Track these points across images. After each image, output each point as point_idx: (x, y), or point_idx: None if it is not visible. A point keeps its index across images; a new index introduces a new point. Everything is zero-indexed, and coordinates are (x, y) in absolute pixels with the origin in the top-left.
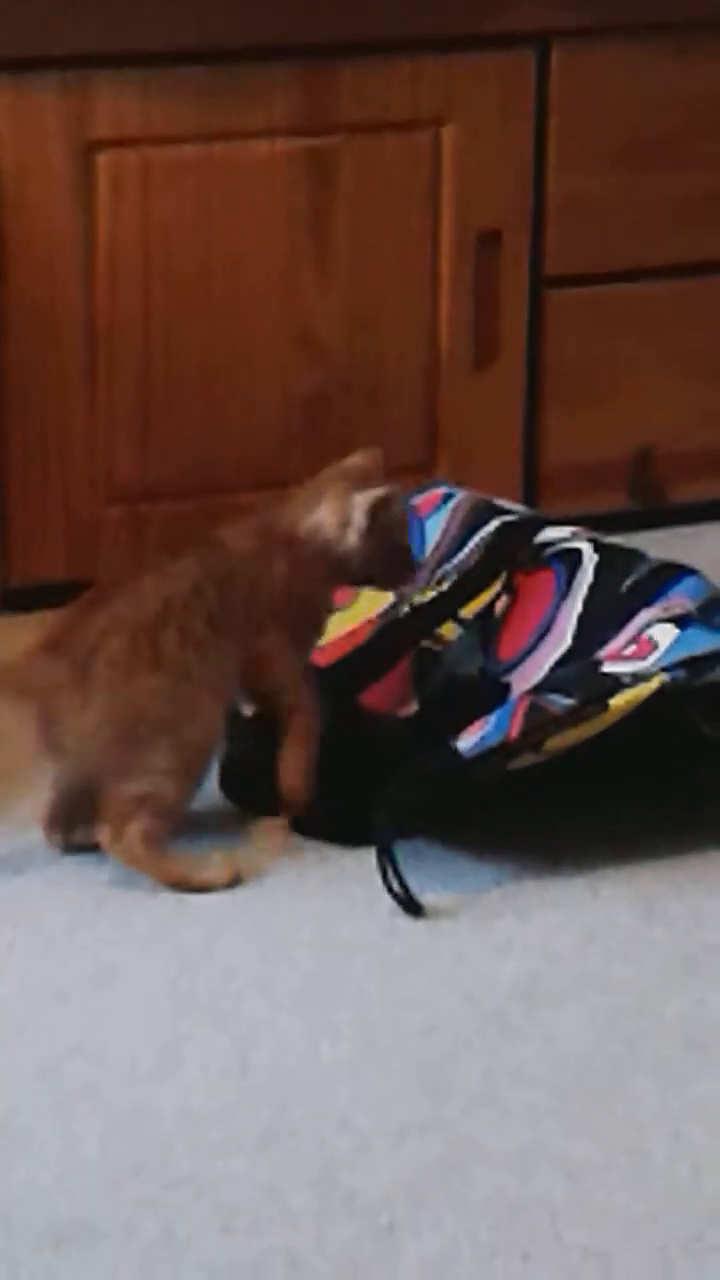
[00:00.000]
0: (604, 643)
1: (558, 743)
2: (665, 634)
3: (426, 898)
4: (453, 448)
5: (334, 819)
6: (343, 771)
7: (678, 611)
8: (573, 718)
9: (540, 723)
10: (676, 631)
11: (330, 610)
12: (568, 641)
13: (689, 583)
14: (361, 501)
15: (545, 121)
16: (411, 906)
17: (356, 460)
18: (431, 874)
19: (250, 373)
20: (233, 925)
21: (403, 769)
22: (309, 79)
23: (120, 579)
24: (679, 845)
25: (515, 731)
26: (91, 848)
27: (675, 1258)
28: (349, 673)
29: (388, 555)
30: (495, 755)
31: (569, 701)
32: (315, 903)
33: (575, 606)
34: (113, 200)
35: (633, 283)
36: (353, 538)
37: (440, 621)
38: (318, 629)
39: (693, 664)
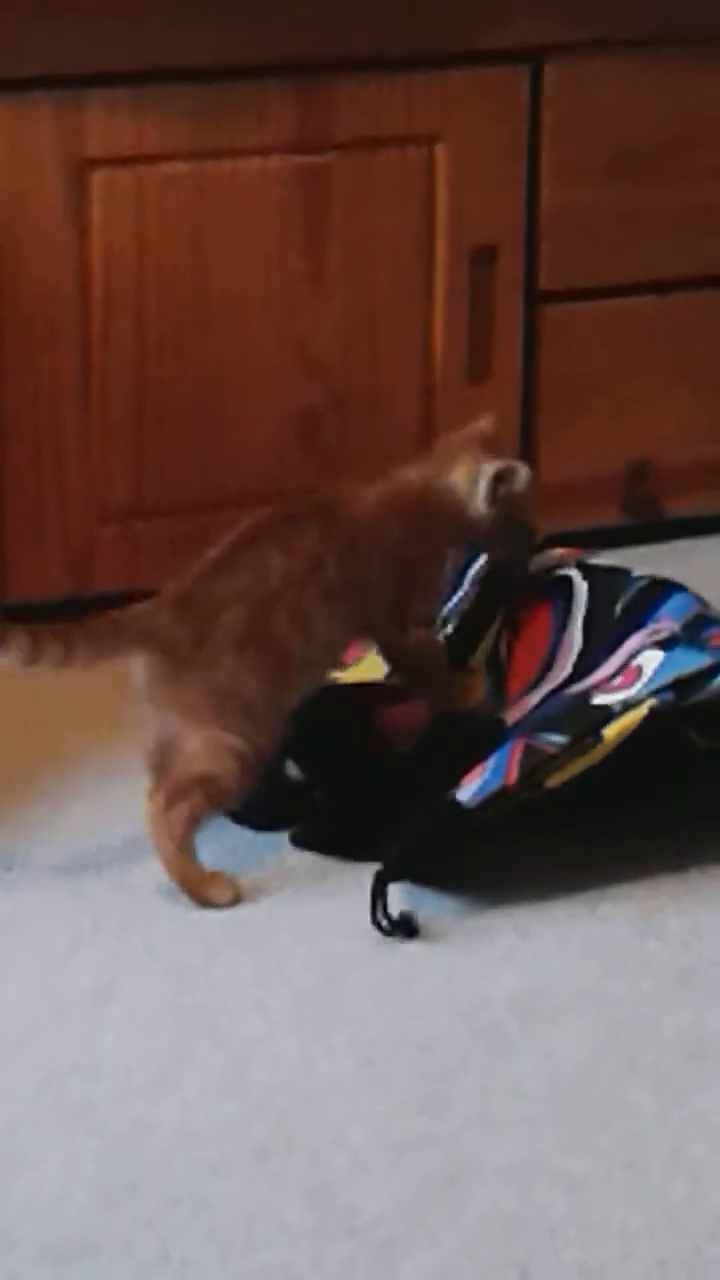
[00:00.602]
0: (596, 667)
1: (557, 779)
2: (651, 659)
3: (422, 914)
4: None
5: (333, 833)
6: (344, 787)
7: (663, 635)
8: (569, 754)
9: (537, 764)
10: (662, 655)
11: (447, 577)
12: (566, 675)
13: (675, 601)
14: (489, 469)
15: (539, 137)
16: (405, 930)
17: (481, 426)
18: (427, 890)
19: (246, 389)
20: (230, 942)
21: (404, 824)
22: (302, 96)
23: (243, 544)
24: (676, 860)
25: (514, 776)
26: None
27: (673, 1273)
28: (365, 696)
29: (509, 528)
30: (496, 801)
31: (562, 739)
32: (312, 919)
33: (575, 639)
34: (107, 218)
35: (627, 297)
36: (481, 503)
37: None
38: (437, 592)
39: (680, 685)
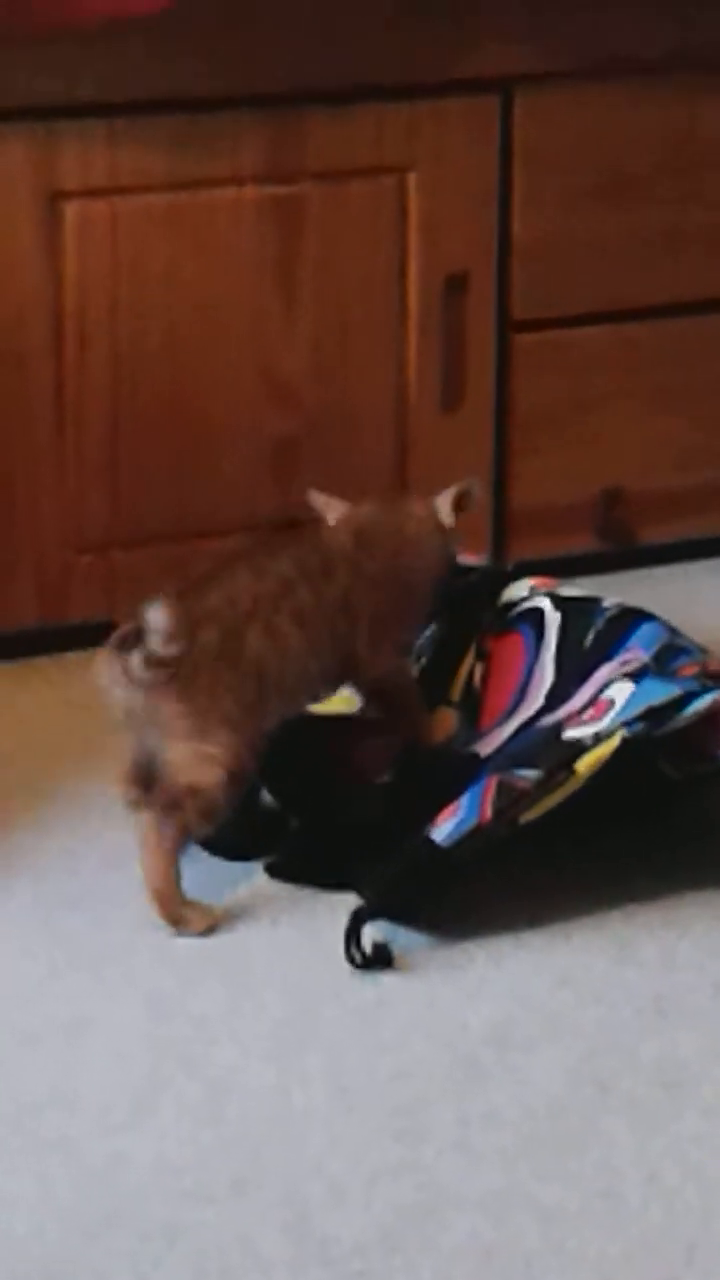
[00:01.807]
0: (566, 699)
1: (531, 815)
2: (622, 691)
3: (398, 944)
4: (421, 490)
5: (308, 863)
6: (319, 817)
7: (633, 666)
8: (542, 789)
9: (511, 800)
10: (633, 686)
11: (427, 608)
12: (538, 706)
13: (645, 631)
14: (444, 497)
15: (510, 165)
16: (380, 961)
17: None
18: (403, 921)
19: (219, 418)
20: (205, 973)
21: (380, 863)
22: (274, 127)
23: (219, 569)
24: (650, 888)
25: (488, 813)
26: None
27: None
28: (340, 727)
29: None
30: (471, 839)
31: (535, 773)
32: (288, 950)
33: (547, 671)
34: (80, 250)
35: (600, 324)
36: (446, 516)
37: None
38: (417, 619)
39: (650, 715)
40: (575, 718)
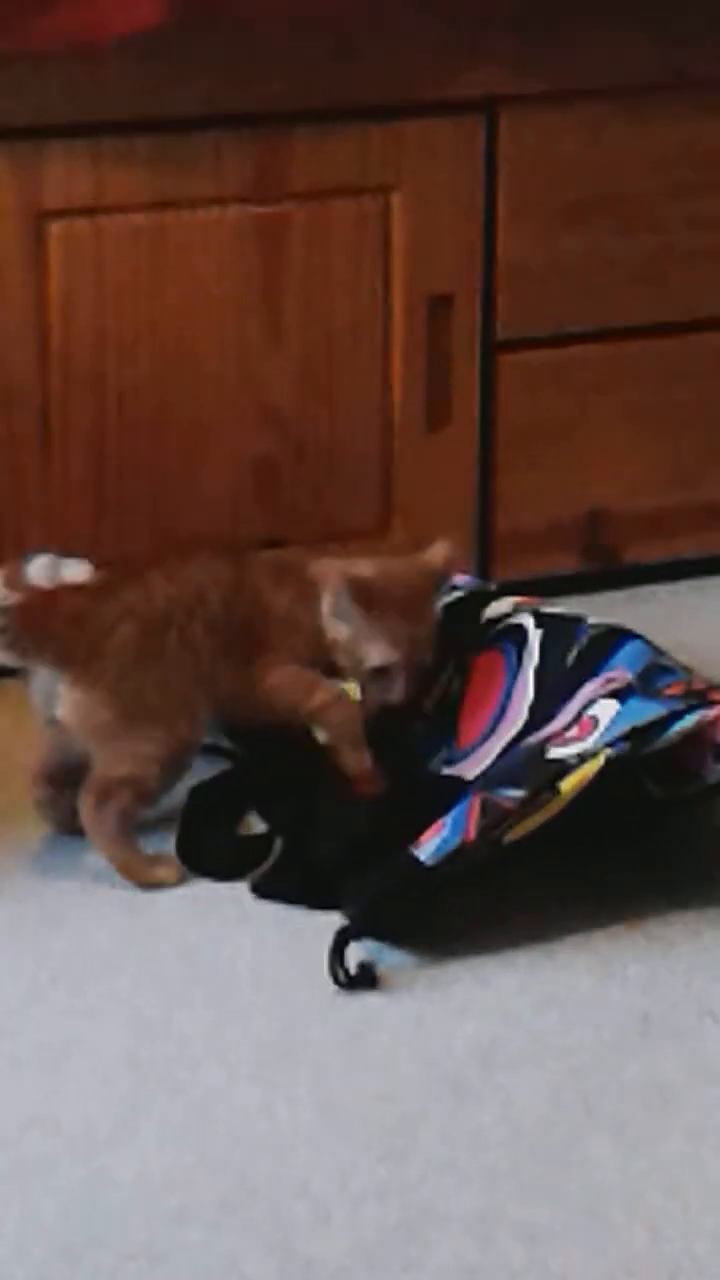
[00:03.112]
0: (551, 718)
1: (515, 834)
2: (606, 710)
3: (383, 964)
4: (406, 511)
5: (294, 882)
6: (305, 836)
7: (617, 685)
8: (526, 808)
9: (496, 819)
10: (617, 706)
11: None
12: (521, 723)
13: (628, 650)
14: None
15: (494, 186)
16: (365, 981)
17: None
18: (387, 939)
19: (204, 438)
20: (189, 993)
21: (364, 882)
22: (259, 147)
23: (134, 569)
24: (635, 907)
25: (473, 832)
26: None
27: None
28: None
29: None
30: (455, 857)
31: (519, 793)
32: (272, 969)
33: (527, 689)
34: (65, 269)
35: (585, 345)
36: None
37: (406, 716)
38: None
39: (635, 735)
40: (559, 736)
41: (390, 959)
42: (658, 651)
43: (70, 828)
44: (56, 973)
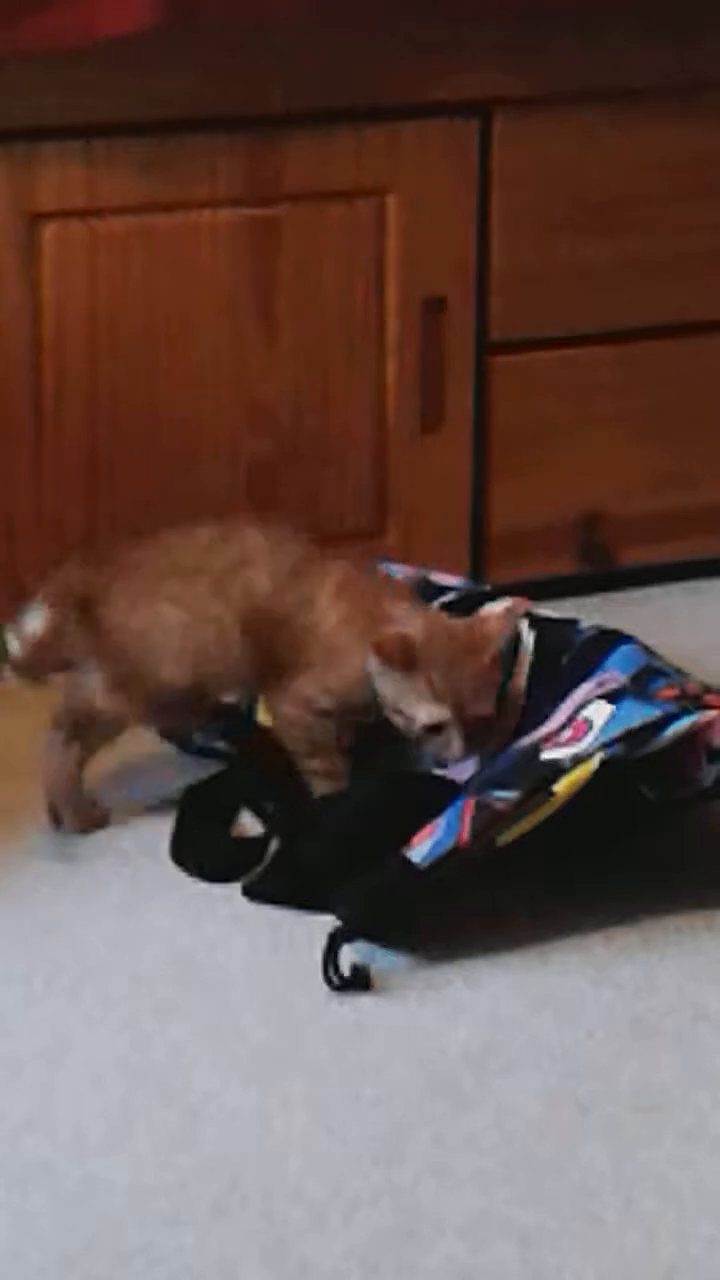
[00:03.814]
0: (543, 720)
1: (509, 836)
2: (599, 713)
3: (376, 967)
4: (401, 513)
5: (287, 884)
6: (298, 837)
7: (611, 687)
8: (520, 811)
9: (489, 821)
10: (611, 708)
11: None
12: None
13: (622, 653)
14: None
15: (488, 189)
16: (358, 984)
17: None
18: (380, 941)
19: (197, 440)
20: (183, 997)
21: (357, 884)
22: (252, 149)
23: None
24: (628, 910)
25: (465, 834)
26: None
27: None
28: None
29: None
30: (448, 860)
31: (513, 795)
32: (266, 973)
33: (520, 689)
34: (58, 271)
35: (578, 347)
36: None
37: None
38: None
39: (629, 738)
40: (553, 738)
41: (383, 961)
42: (651, 654)
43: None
44: (50, 976)
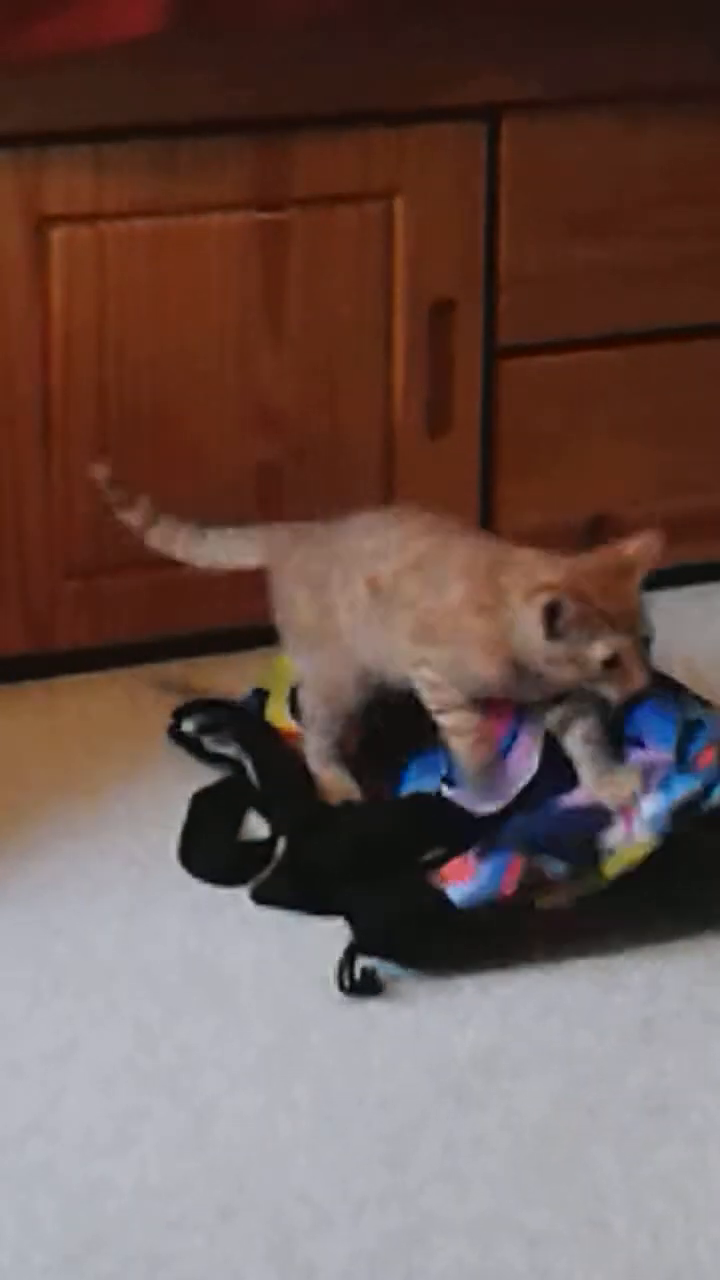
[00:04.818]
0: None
1: (548, 902)
2: (651, 802)
3: (384, 970)
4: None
5: (294, 887)
6: (306, 840)
7: (661, 774)
8: (567, 883)
9: (535, 884)
10: (661, 798)
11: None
12: (534, 766)
13: (653, 712)
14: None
15: (496, 192)
16: (367, 988)
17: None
18: (398, 962)
19: (206, 444)
20: (190, 1000)
21: (380, 902)
22: (261, 152)
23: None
24: (636, 913)
25: (510, 890)
26: None
27: None
28: None
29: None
30: (487, 908)
31: (563, 867)
32: (273, 975)
33: (539, 726)
34: (67, 275)
35: (585, 351)
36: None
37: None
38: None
39: (677, 813)
40: (606, 821)
41: (392, 966)
42: (677, 693)
43: None
44: (57, 979)
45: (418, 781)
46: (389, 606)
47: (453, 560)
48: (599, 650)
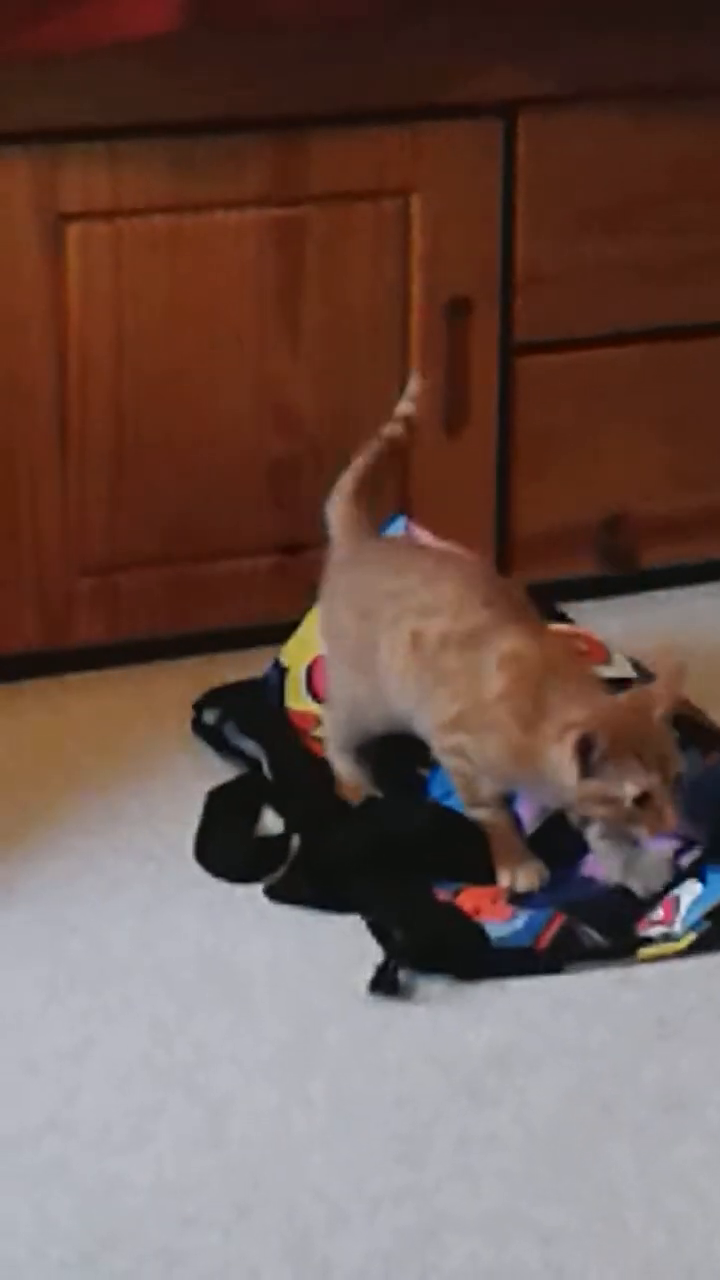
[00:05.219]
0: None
1: (577, 967)
2: (688, 892)
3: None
4: (425, 515)
5: (309, 884)
6: (321, 836)
7: (694, 856)
8: (598, 955)
9: (568, 946)
10: (699, 888)
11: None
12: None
13: (694, 800)
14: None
15: (513, 189)
16: (385, 985)
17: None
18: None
19: (222, 441)
20: (205, 996)
21: (417, 918)
22: (278, 150)
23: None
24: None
25: (544, 944)
26: None
27: None
28: None
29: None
30: (517, 953)
31: (600, 941)
32: (288, 973)
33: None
34: (83, 272)
35: (601, 348)
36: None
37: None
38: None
39: (716, 913)
40: (644, 920)
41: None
42: (702, 736)
43: None
44: (73, 976)
45: (439, 791)
46: (427, 669)
47: (500, 648)
48: (629, 789)
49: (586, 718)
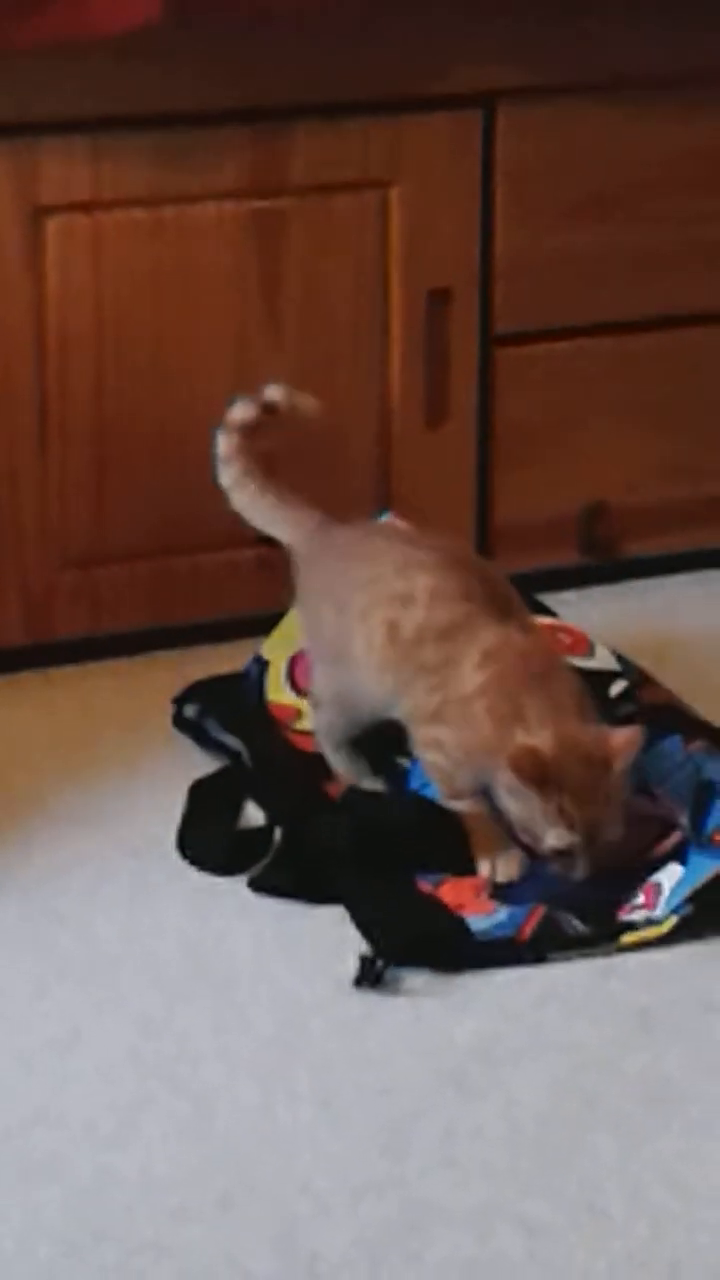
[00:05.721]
0: None
1: (559, 956)
2: (669, 876)
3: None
4: (406, 506)
5: (292, 875)
6: (303, 828)
7: (675, 840)
8: (582, 943)
9: (552, 937)
10: (680, 871)
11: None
12: None
13: (661, 753)
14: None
15: (492, 181)
16: (368, 977)
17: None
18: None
19: (203, 434)
20: (191, 990)
21: (399, 917)
22: (257, 141)
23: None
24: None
25: (526, 934)
26: None
27: None
28: None
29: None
30: (500, 945)
31: (583, 930)
32: (272, 965)
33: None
34: (63, 265)
35: (582, 339)
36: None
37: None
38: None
39: (699, 895)
40: (625, 905)
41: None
42: (689, 732)
43: None
44: (60, 969)
45: (418, 782)
46: (405, 661)
47: (480, 643)
48: (551, 839)
49: (545, 742)
